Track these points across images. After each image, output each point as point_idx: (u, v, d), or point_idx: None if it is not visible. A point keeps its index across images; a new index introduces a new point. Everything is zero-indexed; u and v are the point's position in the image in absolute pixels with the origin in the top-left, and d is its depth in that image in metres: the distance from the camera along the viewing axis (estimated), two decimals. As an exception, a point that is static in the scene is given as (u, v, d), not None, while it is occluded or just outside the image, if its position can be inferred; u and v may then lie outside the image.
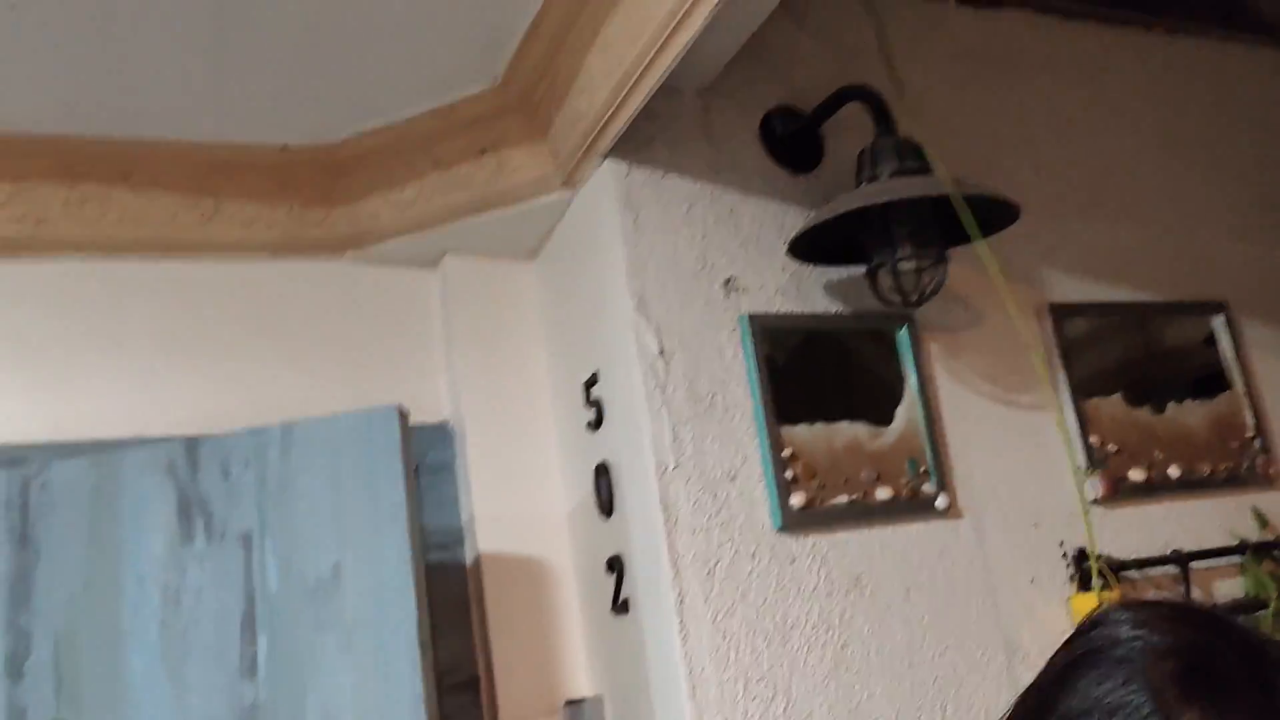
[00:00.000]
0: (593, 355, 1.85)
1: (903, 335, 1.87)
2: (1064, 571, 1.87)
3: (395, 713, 1.37)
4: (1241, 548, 1.99)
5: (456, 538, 1.94)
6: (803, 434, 1.73)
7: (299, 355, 1.97)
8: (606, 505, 1.78)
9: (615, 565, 1.75)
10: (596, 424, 1.83)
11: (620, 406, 1.75)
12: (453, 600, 1.90)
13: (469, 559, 1.93)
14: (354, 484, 1.46)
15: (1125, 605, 0.75)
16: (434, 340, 2.08)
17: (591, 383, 1.84)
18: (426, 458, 1.96)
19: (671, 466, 1.64)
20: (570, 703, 1.84)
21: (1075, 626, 0.78)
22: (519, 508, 1.94)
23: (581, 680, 1.88)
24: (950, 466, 1.84)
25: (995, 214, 1.72)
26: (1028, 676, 1.78)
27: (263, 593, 1.41)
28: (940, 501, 1.79)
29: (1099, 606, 0.77)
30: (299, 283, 2.02)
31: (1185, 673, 0.69)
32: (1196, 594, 1.94)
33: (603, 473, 1.79)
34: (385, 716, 1.37)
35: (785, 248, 1.78)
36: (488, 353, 2.03)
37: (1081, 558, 1.87)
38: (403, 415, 1.50)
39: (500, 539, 1.92)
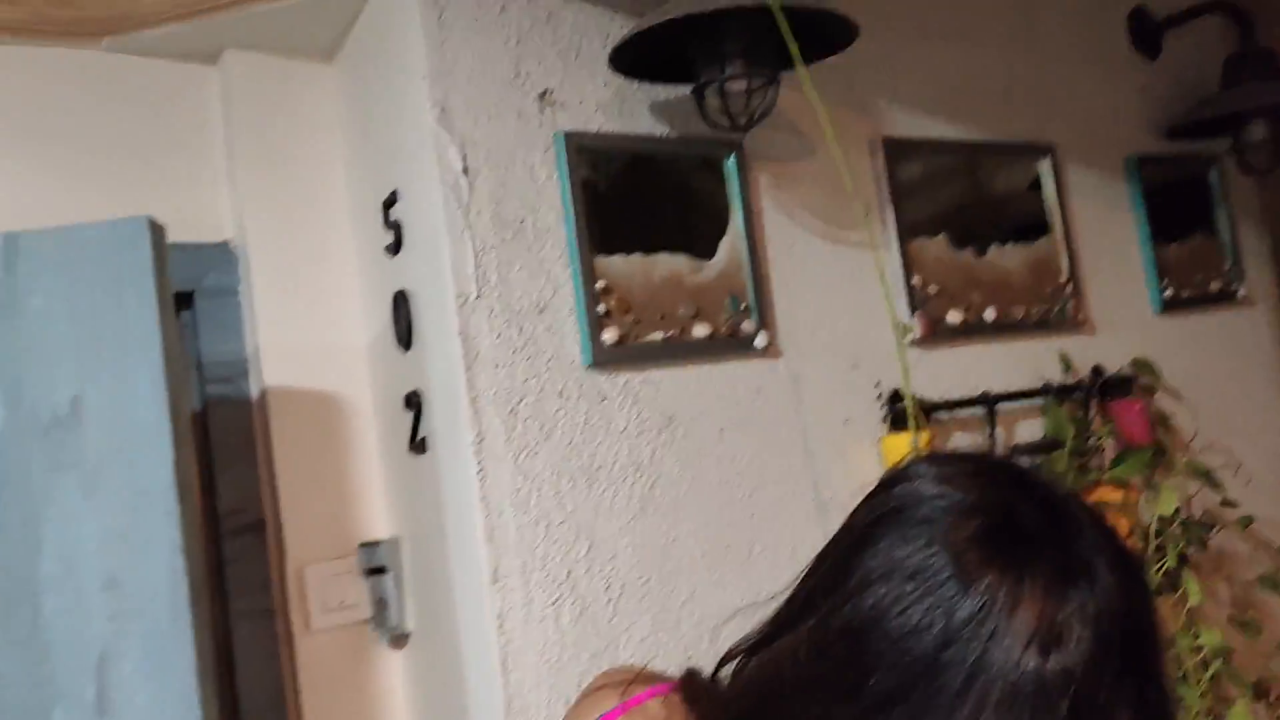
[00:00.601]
0: (392, 172, 1.67)
1: (730, 164, 1.75)
2: (878, 413, 1.86)
3: (149, 563, 1.23)
4: (1045, 390, 2.03)
5: (240, 370, 1.76)
6: (619, 265, 1.61)
7: (47, 159, 1.70)
8: (405, 337, 1.63)
9: (413, 401, 1.62)
10: (395, 248, 1.66)
11: (420, 230, 1.58)
12: (235, 438, 1.74)
13: (254, 393, 1.76)
14: (98, 307, 1.26)
15: (929, 459, 0.72)
16: (214, 149, 1.83)
17: (390, 202, 1.66)
18: (205, 281, 1.76)
19: (473, 296, 1.50)
20: (365, 545, 1.73)
21: (878, 480, 0.74)
22: (310, 338, 1.77)
23: (378, 522, 1.77)
24: (772, 304, 1.77)
25: (833, 33, 1.59)
26: (838, 517, 1.77)
27: (-15, 429, 1.22)
28: (759, 340, 1.72)
29: (902, 460, 0.73)
30: (47, 73, 1.73)
31: (986, 533, 0.66)
32: (1001, 435, 1.97)
33: (401, 301, 1.64)
34: (137, 568, 1.23)
35: (608, 60, 1.61)
36: (277, 165, 1.80)
37: (895, 399, 1.86)
38: (156, 227, 1.29)
39: (289, 371, 1.75)
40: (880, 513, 0.70)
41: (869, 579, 0.67)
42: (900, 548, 0.67)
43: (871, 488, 0.75)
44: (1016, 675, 0.60)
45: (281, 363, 1.74)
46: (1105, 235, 2.26)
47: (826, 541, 0.76)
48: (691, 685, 0.77)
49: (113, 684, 1.21)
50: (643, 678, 0.78)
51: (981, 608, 0.62)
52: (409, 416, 1.63)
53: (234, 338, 1.76)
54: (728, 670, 0.76)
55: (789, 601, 0.74)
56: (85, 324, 1.25)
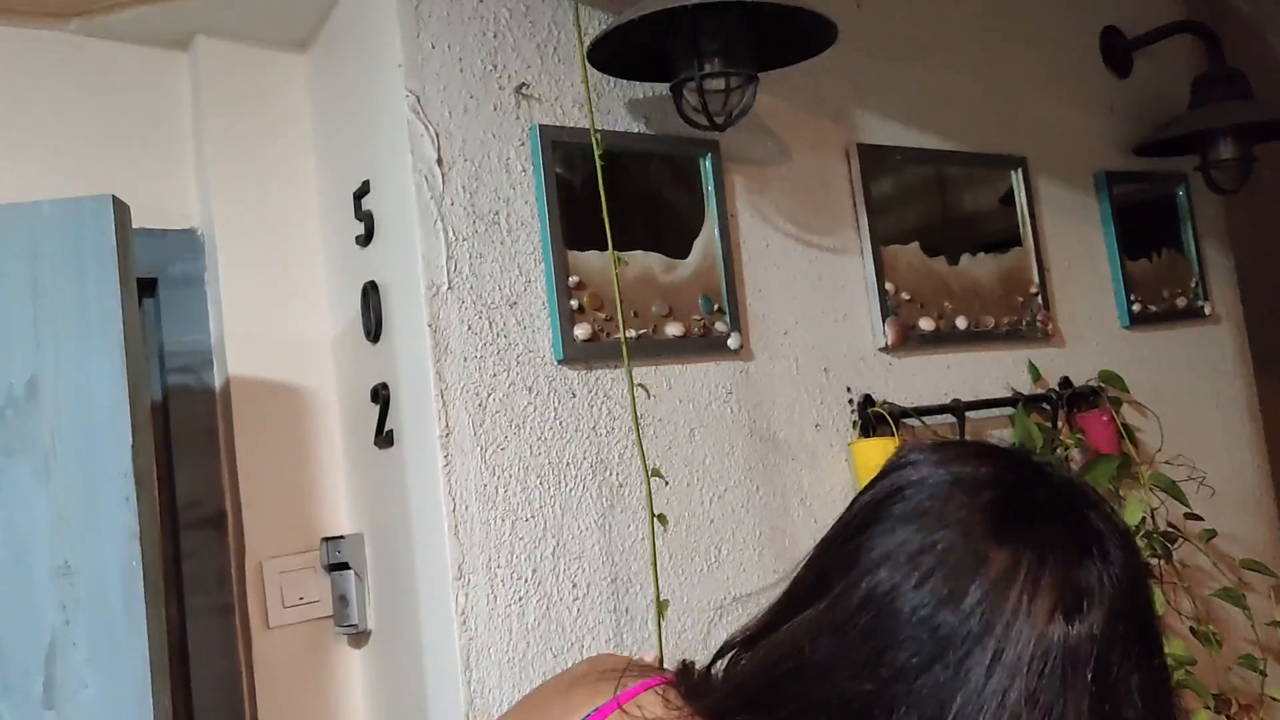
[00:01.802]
0: (364, 162, 1.64)
1: (707, 164, 1.75)
2: (848, 417, 1.86)
3: (103, 551, 1.20)
4: (1014, 399, 2.03)
5: (204, 359, 1.73)
6: (593, 261, 1.60)
7: (9, 140, 1.66)
8: (374, 329, 1.61)
9: (380, 394, 1.59)
10: (366, 239, 1.63)
11: (392, 220, 1.56)
12: (197, 428, 1.70)
13: (217, 383, 1.73)
14: (57, 286, 1.23)
15: (926, 446, 0.72)
16: (183, 136, 1.80)
17: (362, 193, 1.64)
18: (169, 268, 1.72)
19: (444, 287, 1.48)
20: (327, 540, 1.70)
21: (879, 469, 0.75)
22: (276, 328, 1.74)
23: (341, 517, 1.74)
24: (745, 306, 1.76)
25: (811, 34, 1.59)
26: (806, 521, 1.76)
27: (-64, 409, 1.18)
28: (732, 341, 1.71)
29: (900, 449, 0.73)
30: (11, 54, 1.69)
31: (1000, 506, 0.67)
32: (970, 443, 1.97)
33: (371, 293, 1.61)
34: (91, 555, 1.19)
35: (585, 55, 1.60)
36: (246, 153, 1.77)
37: (866, 404, 1.86)
38: (120, 206, 1.26)
39: (255, 362, 1.72)
40: (886, 494, 0.71)
41: (884, 555, 0.67)
42: (907, 526, 0.67)
43: (872, 479, 0.76)
44: (1046, 643, 0.61)
45: (246, 353, 1.71)
46: (1075, 248, 2.28)
47: (828, 530, 0.76)
48: (688, 677, 0.74)
49: (62, 675, 1.18)
50: (634, 670, 0.75)
51: (1005, 578, 0.63)
52: (375, 409, 1.61)
53: (198, 327, 1.73)
54: (722, 664, 0.75)
55: (793, 586, 0.73)
56: (45, 303, 1.22)
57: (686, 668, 0.76)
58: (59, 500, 1.20)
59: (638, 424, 1.55)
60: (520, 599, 1.47)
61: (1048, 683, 0.61)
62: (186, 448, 1.68)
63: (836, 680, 0.65)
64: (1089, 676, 0.61)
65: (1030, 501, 0.68)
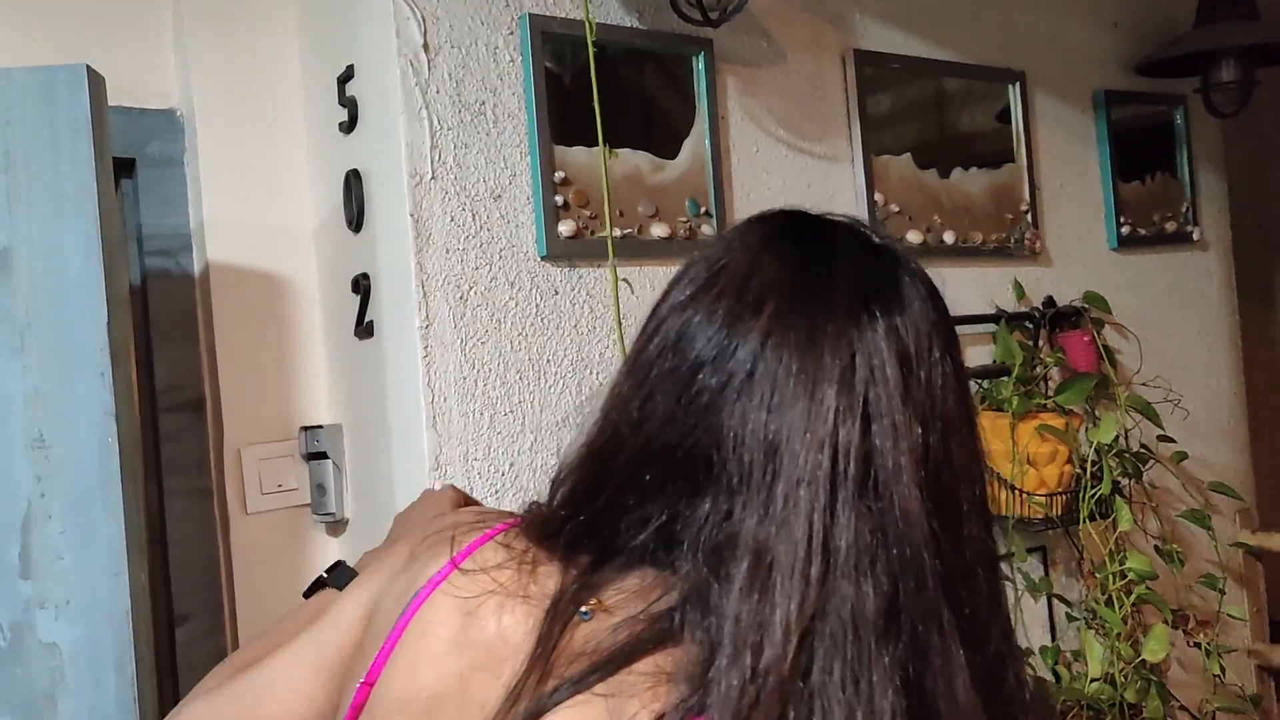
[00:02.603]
0: (349, 45, 1.60)
1: (699, 63, 1.71)
2: (830, 327, 1.85)
3: (79, 425, 1.19)
4: (997, 316, 2.04)
5: (183, 243, 1.71)
6: (579, 157, 1.57)
7: (-18, 7, 1.61)
8: (355, 218, 1.59)
9: (361, 284, 1.58)
10: (350, 126, 1.60)
11: (375, 107, 1.53)
12: (176, 313, 1.69)
13: (197, 268, 1.71)
14: (29, 155, 1.20)
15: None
16: (162, 10, 1.75)
17: (346, 78, 1.60)
18: (147, 148, 1.69)
19: (428, 177, 1.46)
20: (306, 429, 1.71)
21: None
22: (257, 214, 1.71)
23: (320, 407, 1.74)
24: (733, 210, 1.74)
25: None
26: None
27: (-93, 277, 1.17)
28: (717, 245, 1.70)
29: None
30: (-16, -84, 1.63)
31: (786, 226, 0.69)
32: (950, 357, 1.98)
33: (353, 181, 1.59)
34: (66, 429, 1.19)
35: (580, -58, 1.56)
36: (228, 32, 1.72)
37: (849, 314, 1.85)
38: (95, 77, 1.23)
39: (234, 248, 1.70)
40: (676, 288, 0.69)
41: (676, 301, 0.66)
42: (700, 265, 0.68)
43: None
44: (851, 340, 0.61)
45: (226, 239, 1.69)
46: (1068, 168, 2.26)
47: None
48: (536, 516, 0.69)
49: (38, 545, 1.19)
50: (471, 521, 0.69)
51: (795, 287, 0.64)
52: (356, 300, 1.60)
53: (177, 210, 1.70)
54: (564, 491, 0.70)
55: (609, 402, 0.69)
56: (17, 173, 1.20)
57: (533, 507, 0.71)
58: (34, 373, 1.19)
59: (620, 323, 1.55)
60: (497, 491, 1.48)
61: (859, 380, 0.60)
62: (165, 332, 1.67)
63: (654, 438, 0.63)
64: (902, 372, 0.61)
65: (819, 223, 0.69)
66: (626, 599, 0.62)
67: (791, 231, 0.69)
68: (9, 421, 1.18)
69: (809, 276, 0.64)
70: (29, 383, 1.19)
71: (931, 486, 0.61)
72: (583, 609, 0.62)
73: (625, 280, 1.58)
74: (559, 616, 0.61)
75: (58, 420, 1.19)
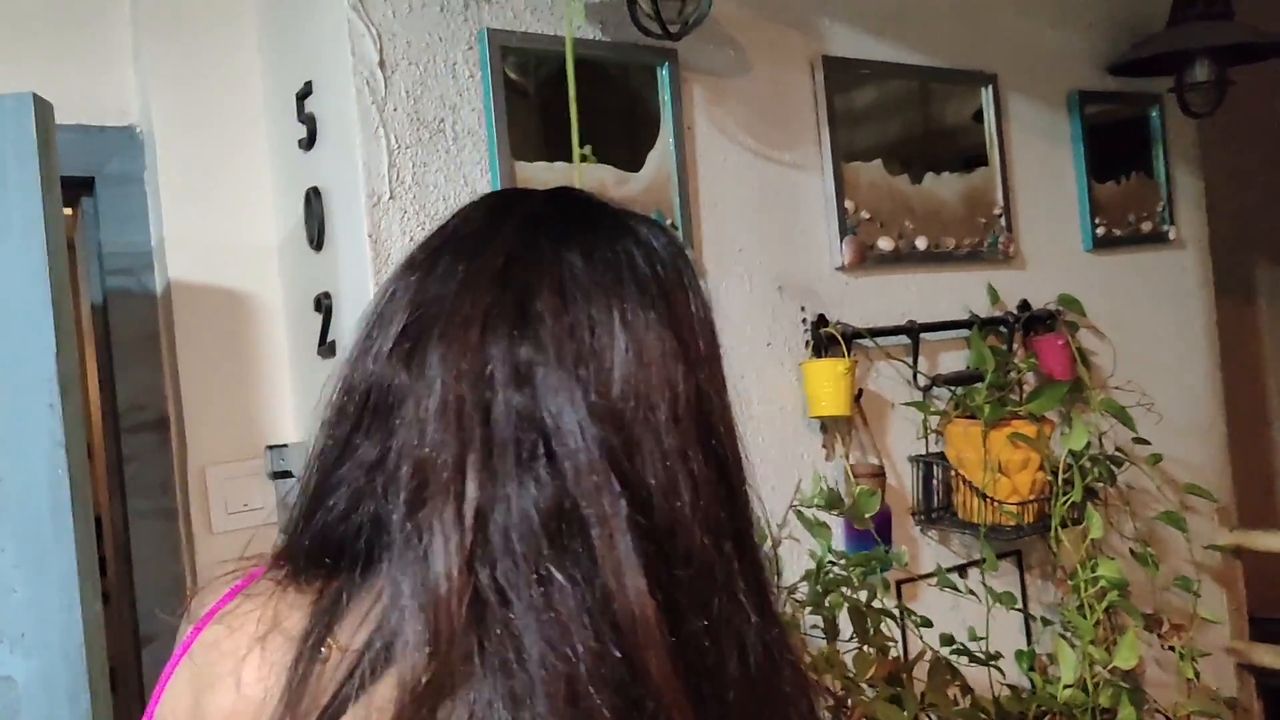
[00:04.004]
0: (306, 61, 1.59)
1: (664, 74, 1.70)
2: (801, 336, 1.85)
3: (28, 458, 1.18)
4: (970, 321, 2.03)
5: (145, 261, 1.69)
6: (541, 173, 1.56)
7: (-65, 26, 1.59)
8: (316, 236, 1.57)
9: (323, 303, 1.57)
10: (309, 143, 1.59)
11: (333, 124, 1.51)
12: (138, 332, 1.67)
13: (159, 286, 1.69)
14: (-25, 187, 1.18)
15: None
16: (120, 26, 1.73)
17: (305, 94, 1.59)
18: (107, 166, 1.67)
19: (386, 196, 1.44)
20: (272, 448, 1.69)
21: None
22: (219, 232, 1.70)
23: (286, 425, 1.73)
24: (699, 221, 1.73)
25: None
26: (754, 439, 1.75)
27: None
28: (684, 257, 1.68)
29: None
30: (-64, -67, 1.61)
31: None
32: (924, 364, 1.98)
33: (314, 199, 1.57)
34: (17, 463, 1.18)
35: (538, -46, 1.54)
36: (188, 47, 1.71)
37: (820, 323, 1.85)
38: (42, 104, 1.21)
39: (196, 266, 1.68)
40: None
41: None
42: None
43: None
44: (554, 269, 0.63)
45: (188, 256, 1.68)
46: (1042, 169, 2.25)
47: None
48: (277, 550, 0.67)
49: (-11, 579, 1.18)
50: (220, 577, 0.67)
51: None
52: (319, 318, 1.59)
53: (137, 228, 1.69)
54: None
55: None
56: (-39, 204, 1.18)
57: (279, 540, 0.69)
58: (-18, 407, 1.18)
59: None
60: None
61: (511, 301, 0.62)
62: (127, 352, 1.66)
63: (349, 414, 0.64)
64: (562, 298, 0.62)
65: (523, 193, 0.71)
66: (360, 622, 0.60)
67: (497, 194, 0.72)
68: (-43, 456, 1.17)
69: (484, 222, 0.67)
70: (-22, 416, 1.17)
71: (603, 394, 0.60)
72: (319, 649, 0.59)
73: None
74: (301, 662, 0.59)
75: (7, 452, 1.18)
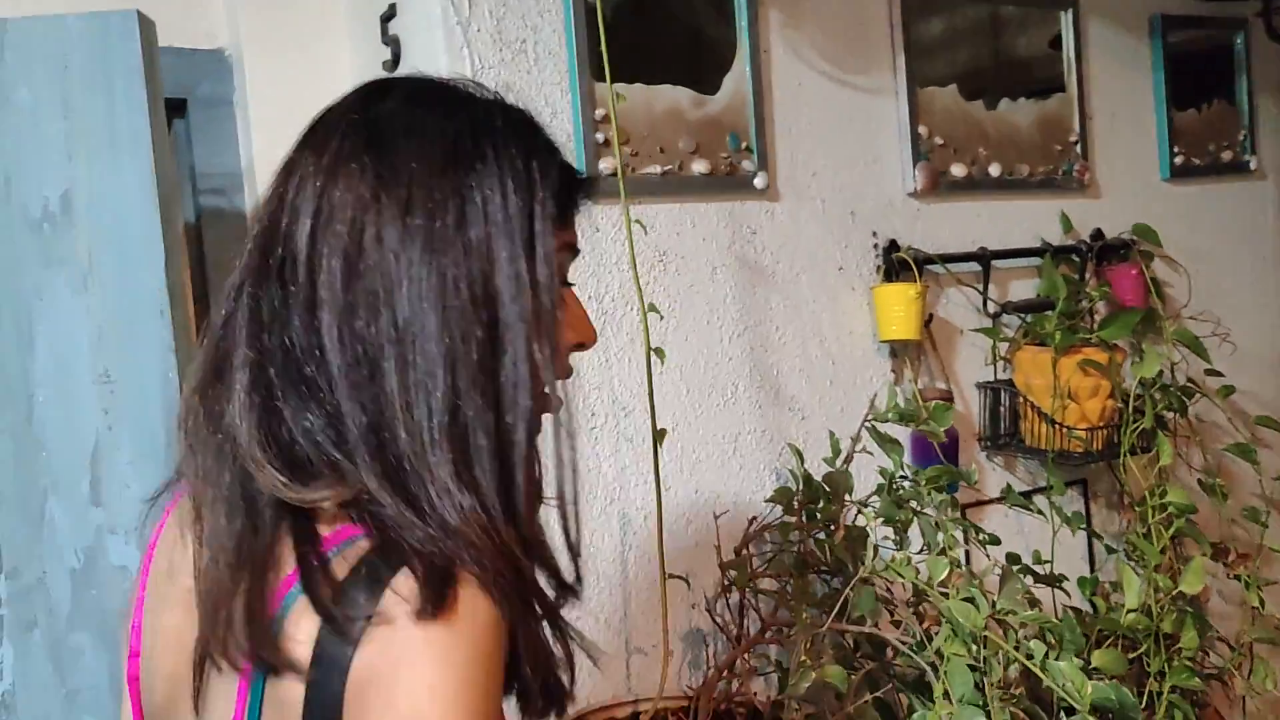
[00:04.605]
0: (391, -17, 1.61)
1: (741, -4, 1.70)
2: (872, 262, 1.86)
3: (141, 362, 1.25)
4: (1042, 250, 2.02)
5: (235, 182, 1.75)
6: (621, 94, 1.58)
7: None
8: (400, 157, 1.61)
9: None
10: (393, 65, 1.62)
11: (417, 46, 1.54)
12: (230, 251, 1.73)
13: (249, 206, 1.75)
14: (86, 102, 1.24)
15: None
16: (209, -50, 1.77)
17: (389, 16, 1.62)
18: (198, 89, 1.73)
19: (470, 117, 1.47)
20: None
21: None
22: (305, 154, 1.74)
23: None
24: (774, 145, 1.74)
25: None
26: (824, 362, 1.78)
27: (-24, 220, 1.22)
28: (759, 180, 1.70)
29: None
30: None
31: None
32: (994, 292, 1.98)
33: (398, 121, 1.61)
34: (130, 366, 1.25)
35: (619, -126, 1.54)
36: (273, -28, 1.74)
37: (891, 249, 1.86)
38: (145, 22, 1.26)
39: (284, 188, 1.73)
40: None
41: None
42: None
43: None
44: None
45: (276, 178, 1.73)
46: (1121, 96, 2.21)
47: None
48: None
49: (107, 476, 1.25)
50: None
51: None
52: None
53: (228, 150, 1.74)
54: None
55: None
56: (75, 120, 1.24)
57: None
58: (98, 313, 1.24)
59: (634, 256, 1.54)
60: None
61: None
62: (221, 270, 1.72)
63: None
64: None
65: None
66: None
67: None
68: (76, 360, 1.24)
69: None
70: (93, 323, 1.24)
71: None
72: None
73: (639, 221, 1.57)
74: None
75: (122, 357, 1.25)
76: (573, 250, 0.75)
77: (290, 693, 0.60)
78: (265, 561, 0.63)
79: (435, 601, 0.59)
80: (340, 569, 0.61)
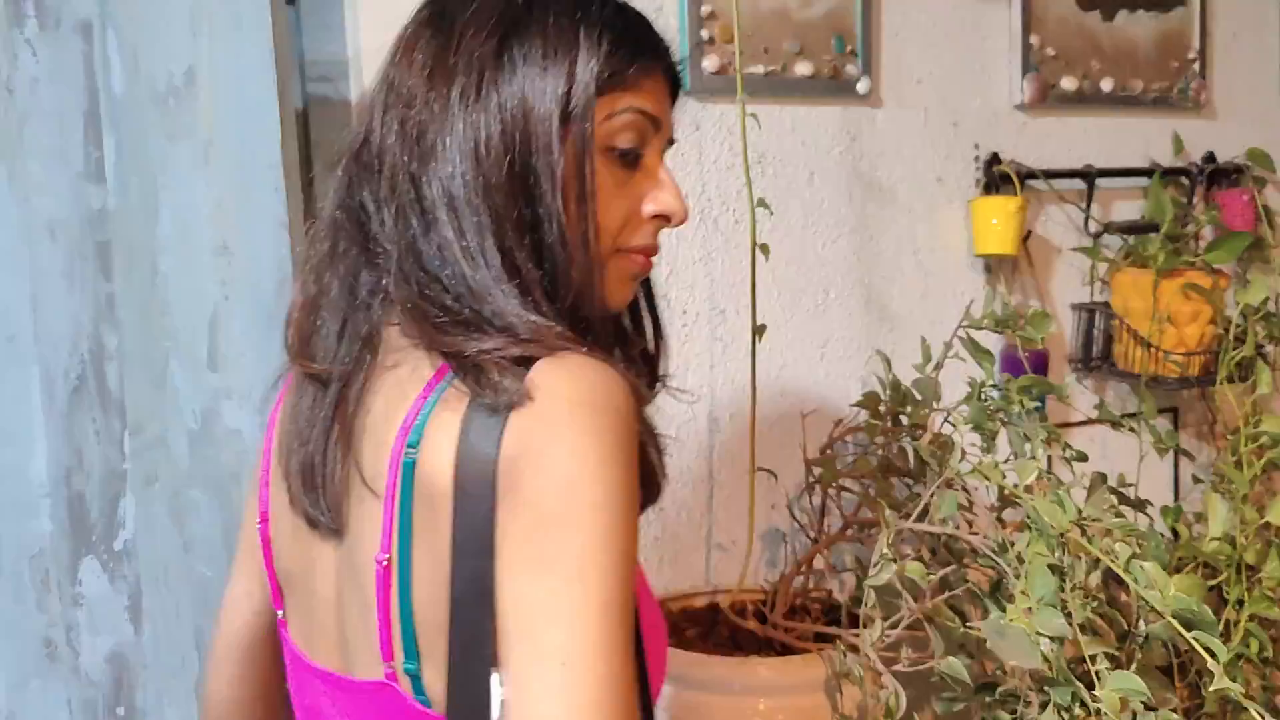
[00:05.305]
0: None
1: (855, -108, 1.65)
2: (973, 174, 1.83)
3: (256, 235, 1.30)
4: (1150, 170, 1.96)
5: (342, 71, 1.78)
6: (726, -10, 1.56)
7: None
8: (505, 49, 1.62)
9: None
10: (501, -45, 1.62)
11: (528, -66, 1.54)
12: (336, 137, 1.77)
13: (354, 95, 1.78)
14: (210, -21, 1.27)
15: None
16: None
17: (499, -95, 1.61)
18: (309, -24, 1.75)
19: (577, 8, 1.47)
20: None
21: None
22: (411, 45, 1.76)
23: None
24: (879, 50, 1.71)
25: None
26: (917, 274, 1.77)
27: (106, 92, 1.27)
28: (862, 86, 1.68)
29: None
30: None
31: None
32: (1097, 211, 1.93)
33: (503, 12, 1.62)
34: (245, 238, 1.30)
35: None
36: None
37: (993, 161, 1.82)
38: (266, -97, 1.28)
39: (389, 77, 1.76)
40: None
41: None
42: None
43: None
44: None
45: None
46: (1245, 12, 2.12)
47: None
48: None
49: (222, 342, 1.32)
50: None
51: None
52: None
53: (335, 38, 1.76)
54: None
55: None
56: (199, -4, 1.27)
57: None
58: (217, 186, 1.29)
59: (746, 149, 1.54)
60: (632, 319, 1.54)
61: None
62: (326, 155, 1.76)
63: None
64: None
65: None
66: None
67: None
68: (197, 230, 1.29)
69: None
70: (213, 195, 1.29)
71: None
72: None
73: (753, 115, 1.56)
74: None
75: (238, 230, 1.30)
76: (647, 117, 0.76)
77: (439, 482, 0.65)
78: (400, 387, 0.71)
79: (575, 381, 0.65)
80: (483, 365, 0.66)
